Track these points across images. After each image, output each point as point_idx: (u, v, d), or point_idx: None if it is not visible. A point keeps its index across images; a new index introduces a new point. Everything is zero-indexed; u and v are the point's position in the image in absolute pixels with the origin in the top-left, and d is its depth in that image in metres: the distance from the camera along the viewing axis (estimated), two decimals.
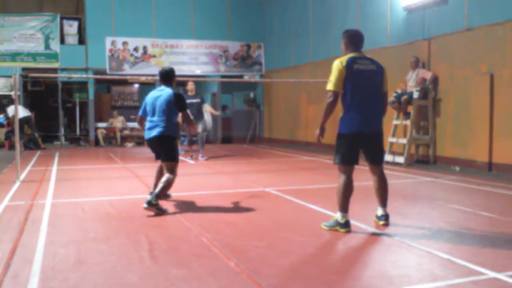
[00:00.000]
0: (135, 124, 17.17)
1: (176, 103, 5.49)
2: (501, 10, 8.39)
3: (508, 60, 8.27)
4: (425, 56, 10.08)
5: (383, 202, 4.65)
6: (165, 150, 5.46)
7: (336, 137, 4.46)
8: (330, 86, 4.36)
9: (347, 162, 4.41)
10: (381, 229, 4.43)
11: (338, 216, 4.38)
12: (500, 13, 8.40)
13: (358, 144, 4.43)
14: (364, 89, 4.36)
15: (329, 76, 4.39)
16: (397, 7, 10.92)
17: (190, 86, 10.94)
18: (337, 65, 4.35)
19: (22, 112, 14.08)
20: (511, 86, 8.24)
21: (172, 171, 5.40)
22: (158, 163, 5.79)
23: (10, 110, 14.01)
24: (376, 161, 4.67)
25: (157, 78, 16.34)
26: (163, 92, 5.55)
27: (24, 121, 13.96)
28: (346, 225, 4.34)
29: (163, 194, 5.43)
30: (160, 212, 5.09)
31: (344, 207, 4.36)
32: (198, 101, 10.80)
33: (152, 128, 5.49)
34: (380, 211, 4.65)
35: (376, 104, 4.46)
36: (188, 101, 10.81)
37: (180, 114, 5.69)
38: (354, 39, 4.49)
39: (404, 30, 10.75)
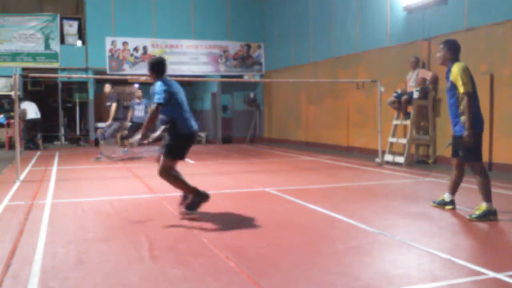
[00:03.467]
0: None
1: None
2: (501, 10, 8.39)
3: (508, 60, 8.27)
4: (425, 56, 10.08)
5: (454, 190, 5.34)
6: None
7: (472, 136, 4.82)
8: (467, 88, 4.80)
9: (481, 158, 4.98)
10: (381, 229, 4.42)
11: (487, 205, 4.80)
12: (500, 13, 8.40)
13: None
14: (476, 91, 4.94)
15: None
16: (397, 7, 10.92)
17: (139, 93, 11.81)
18: (466, 68, 4.86)
19: (35, 113, 14.15)
20: (511, 86, 8.24)
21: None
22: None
23: (28, 108, 14.06)
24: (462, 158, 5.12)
25: None
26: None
27: (34, 123, 14.04)
28: (495, 212, 4.80)
29: None
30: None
31: (490, 197, 4.85)
32: None
33: (193, 121, 5.06)
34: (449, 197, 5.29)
35: None
36: None
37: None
38: (457, 48, 5.04)
39: (404, 30, 10.75)
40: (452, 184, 5.35)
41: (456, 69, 4.85)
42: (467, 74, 4.83)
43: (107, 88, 11.24)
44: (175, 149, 4.86)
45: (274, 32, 17.02)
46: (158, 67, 5.17)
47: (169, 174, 4.85)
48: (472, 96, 4.82)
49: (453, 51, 5.02)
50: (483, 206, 4.83)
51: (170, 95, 4.86)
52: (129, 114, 11.84)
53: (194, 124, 5.05)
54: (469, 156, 4.92)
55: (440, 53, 5.11)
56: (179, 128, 4.87)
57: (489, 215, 4.77)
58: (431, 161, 9.33)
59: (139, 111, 11.73)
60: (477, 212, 4.83)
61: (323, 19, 14.00)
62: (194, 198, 4.92)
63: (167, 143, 4.85)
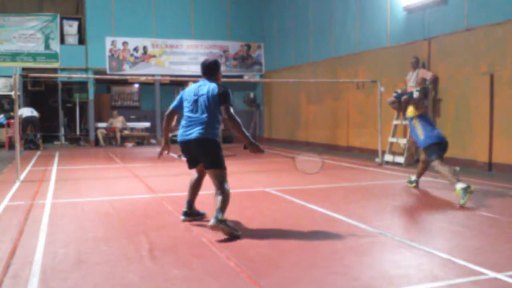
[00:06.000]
0: (135, 124, 17.21)
1: (219, 99, 4.47)
2: (501, 10, 8.39)
3: (508, 60, 8.27)
4: (425, 56, 10.08)
5: None
6: (208, 155, 4.49)
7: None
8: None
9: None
10: (381, 229, 4.42)
11: (459, 186, 5.46)
12: (500, 13, 8.40)
13: None
14: None
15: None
16: (397, 7, 10.92)
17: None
18: None
19: (30, 112, 14.18)
20: (511, 86, 8.24)
21: (223, 181, 4.39)
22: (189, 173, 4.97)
23: (24, 110, 14.27)
24: None
25: (157, 78, 16.42)
26: (206, 86, 4.57)
27: (28, 121, 14.05)
28: (469, 185, 5.44)
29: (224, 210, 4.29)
30: (233, 231, 4.14)
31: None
32: None
33: (191, 128, 4.49)
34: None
35: None
36: None
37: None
38: None
39: (404, 30, 10.75)
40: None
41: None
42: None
43: None
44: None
45: (274, 32, 17.02)
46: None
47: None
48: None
49: None
50: (457, 189, 5.45)
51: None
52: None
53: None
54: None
55: None
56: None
57: (467, 191, 5.37)
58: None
59: None
60: (460, 197, 5.42)
61: (323, 19, 13.99)
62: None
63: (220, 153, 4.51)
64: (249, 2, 17.54)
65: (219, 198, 4.29)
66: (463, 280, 3.10)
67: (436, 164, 6.00)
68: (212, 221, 4.08)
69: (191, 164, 4.75)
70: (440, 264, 3.44)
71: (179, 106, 4.69)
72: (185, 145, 4.56)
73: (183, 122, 4.58)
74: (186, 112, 4.57)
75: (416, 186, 6.80)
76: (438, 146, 6.19)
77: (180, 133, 4.56)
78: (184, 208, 4.83)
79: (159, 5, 16.39)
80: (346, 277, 3.21)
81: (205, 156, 4.50)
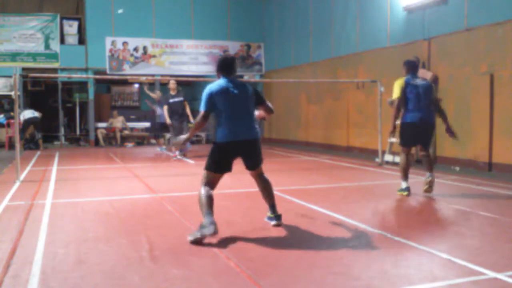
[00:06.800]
0: (135, 124, 17.22)
1: (257, 97, 4.52)
2: (501, 10, 8.39)
3: (508, 60, 8.27)
4: (425, 56, 10.08)
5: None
6: (258, 154, 4.56)
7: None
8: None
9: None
10: (381, 229, 4.42)
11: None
12: (500, 13, 8.40)
13: None
14: None
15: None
16: (397, 7, 10.92)
17: (172, 85, 11.20)
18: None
19: (31, 114, 14.20)
20: (511, 86, 8.24)
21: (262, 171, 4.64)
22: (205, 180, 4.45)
23: (25, 111, 14.35)
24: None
25: (157, 78, 16.39)
26: (241, 86, 4.44)
27: (30, 122, 14.06)
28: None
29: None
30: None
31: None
32: (181, 99, 11.13)
33: (240, 128, 4.34)
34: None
35: None
36: (171, 100, 11.08)
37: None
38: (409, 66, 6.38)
39: (404, 30, 10.75)
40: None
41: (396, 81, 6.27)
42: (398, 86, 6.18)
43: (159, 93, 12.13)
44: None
45: (274, 32, 17.02)
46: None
47: None
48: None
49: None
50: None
51: None
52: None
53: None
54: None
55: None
56: None
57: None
58: None
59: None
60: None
61: (323, 19, 13.99)
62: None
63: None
64: (249, 2, 17.54)
65: None
66: (463, 280, 3.10)
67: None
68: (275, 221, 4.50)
69: (224, 168, 4.40)
70: (440, 264, 3.45)
71: (212, 107, 4.34)
72: (234, 145, 4.32)
73: (225, 123, 4.30)
74: (229, 113, 4.31)
75: (408, 195, 6.15)
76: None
77: (227, 133, 4.28)
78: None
79: (159, 5, 16.39)
80: (346, 277, 3.21)
81: (257, 155, 4.52)
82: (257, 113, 4.68)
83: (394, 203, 5.80)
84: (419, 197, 6.14)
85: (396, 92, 6.20)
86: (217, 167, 4.36)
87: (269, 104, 4.66)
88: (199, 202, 4.23)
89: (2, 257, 3.63)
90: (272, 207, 4.62)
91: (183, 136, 4.89)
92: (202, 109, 4.33)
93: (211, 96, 4.31)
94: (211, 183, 4.37)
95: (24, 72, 14.47)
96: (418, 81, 6.19)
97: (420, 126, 6.15)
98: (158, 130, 13.25)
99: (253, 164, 4.55)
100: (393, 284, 3.05)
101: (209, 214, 4.08)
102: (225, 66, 4.50)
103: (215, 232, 3.96)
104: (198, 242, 3.93)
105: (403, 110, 6.21)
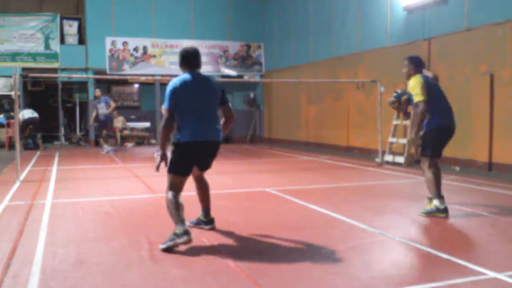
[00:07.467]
0: (135, 124, 17.21)
1: (221, 96, 4.16)
2: (501, 10, 8.39)
3: (508, 60, 8.27)
4: (425, 56, 10.07)
5: None
6: (215, 156, 4.30)
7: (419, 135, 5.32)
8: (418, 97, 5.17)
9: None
10: (381, 229, 4.42)
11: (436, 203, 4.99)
12: (500, 13, 8.40)
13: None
14: None
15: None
16: (397, 7, 10.92)
17: (97, 93, 12.96)
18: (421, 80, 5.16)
19: (30, 113, 14.20)
20: (511, 86, 8.24)
21: None
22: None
23: (24, 111, 14.37)
24: None
25: (157, 78, 16.38)
26: (207, 81, 4.10)
27: (30, 122, 14.06)
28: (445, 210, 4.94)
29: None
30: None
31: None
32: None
33: (207, 127, 4.05)
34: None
35: None
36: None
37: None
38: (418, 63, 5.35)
39: (404, 30, 10.75)
40: None
41: (412, 81, 5.23)
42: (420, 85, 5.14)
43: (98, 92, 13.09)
44: None
45: (274, 32, 17.02)
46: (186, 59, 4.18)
47: None
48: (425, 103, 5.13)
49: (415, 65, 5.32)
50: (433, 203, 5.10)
51: None
52: (94, 114, 13.19)
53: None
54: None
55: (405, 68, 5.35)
56: None
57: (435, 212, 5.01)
58: None
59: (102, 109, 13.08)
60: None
61: (323, 19, 13.99)
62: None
63: None
64: (249, 2, 17.53)
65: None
66: (463, 280, 3.10)
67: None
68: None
69: (190, 170, 4.16)
70: (440, 264, 3.45)
71: (176, 105, 3.98)
72: (199, 145, 4.02)
73: (189, 122, 4.00)
74: (194, 111, 4.00)
75: (446, 216, 5.03)
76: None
77: (191, 133, 3.97)
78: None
79: (159, 5, 16.38)
80: (346, 277, 3.21)
81: (215, 157, 4.28)
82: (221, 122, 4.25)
83: (394, 203, 5.80)
84: (419, 197, 6.14)
85: (419, 94, 5.11)
86: (184, 169, 4.06)
87: (230, 106, 4.24)
88: (168, 209, 3.98)
89: (2, 257, 3.63)
90: (207, 210, 4.45)
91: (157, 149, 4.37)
92: (166, 107, 3.98)
93: (175, 92, 3.97)
94: (178, 188, 4.07)
95: (24, 72, 14.46)
96: (431, 80, 5.44)
97: (453, 130, 5.35)
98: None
99: (207, 166, 4.30)
100: (393, 284, 3.05)
101: (181, 222, 3.81)
102: (189, 59, 4.10)
103: (188, 241, 3.74)
104: (170, 250, 3.73)
105: (428, 114, 5.24)
